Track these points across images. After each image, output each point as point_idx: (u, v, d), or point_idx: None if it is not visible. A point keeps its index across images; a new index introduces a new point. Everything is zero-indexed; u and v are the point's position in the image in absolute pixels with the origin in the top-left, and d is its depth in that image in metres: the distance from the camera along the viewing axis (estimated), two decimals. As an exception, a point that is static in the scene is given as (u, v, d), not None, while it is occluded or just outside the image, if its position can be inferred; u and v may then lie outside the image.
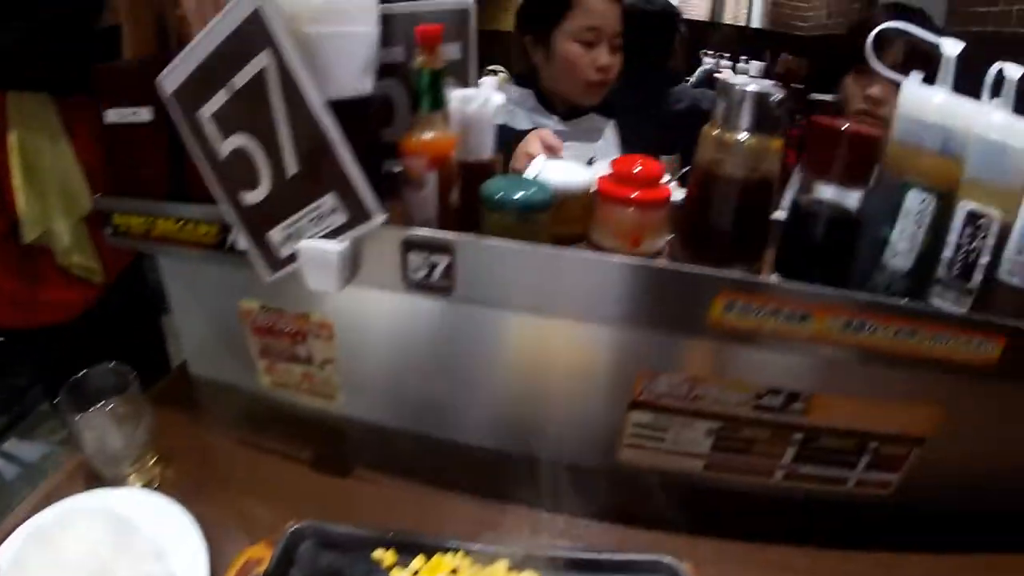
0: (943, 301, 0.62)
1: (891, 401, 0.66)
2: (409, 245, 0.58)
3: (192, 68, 0.60)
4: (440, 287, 0.59)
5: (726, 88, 0.59)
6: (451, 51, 0.69)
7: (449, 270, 0.58)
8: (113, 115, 0.67)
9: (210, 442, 0.72)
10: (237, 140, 0.60)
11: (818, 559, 0.67)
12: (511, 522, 0.66)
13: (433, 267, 0.58)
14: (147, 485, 0.66)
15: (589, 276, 0.57)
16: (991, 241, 0.60)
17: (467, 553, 0.59)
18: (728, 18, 6.81)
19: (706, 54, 3.46)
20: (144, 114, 0.67)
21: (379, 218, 0.56)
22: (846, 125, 0.59)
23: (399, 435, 0.74)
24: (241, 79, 0.58)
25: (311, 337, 0.71)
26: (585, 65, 1.22)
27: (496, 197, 0.59)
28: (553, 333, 0.66)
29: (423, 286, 0.59)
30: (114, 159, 0.70)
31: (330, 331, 0.70)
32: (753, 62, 3.40)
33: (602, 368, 0.67)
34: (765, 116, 0.58)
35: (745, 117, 0.59)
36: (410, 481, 0.69)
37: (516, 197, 0.59)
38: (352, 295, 0.67)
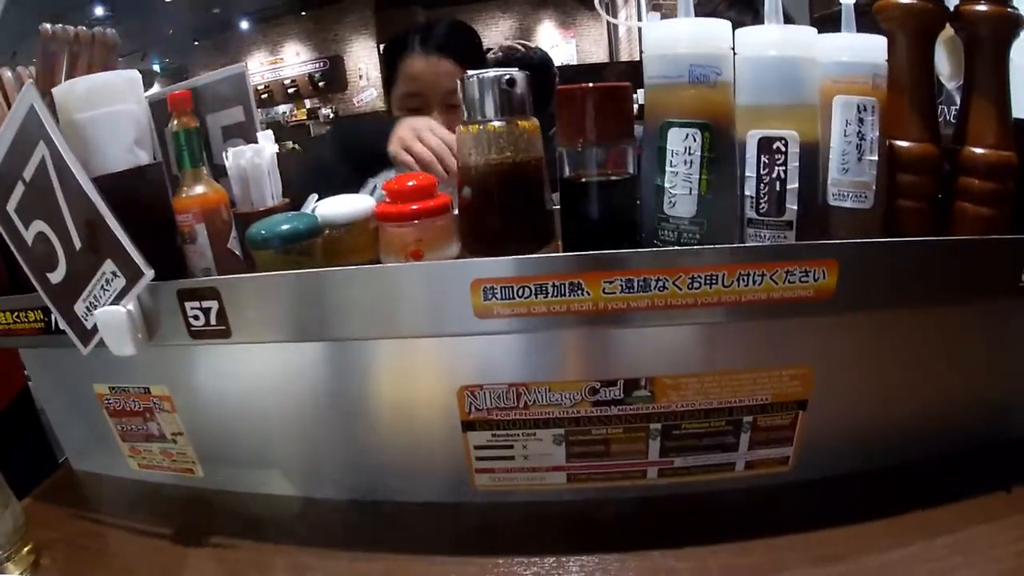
0: (761, 242, 0.60)
1: (748, 368, 0.63)
2: (182, 295, 0.63)
3: (-5, 169, 0.70)
4: (217, 331, 0.62)
5: (463, 82, 0.62)
6: (235, 114, 0.76)
7: (221, 313, 0.62)
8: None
9: (85, 529, 0.76)
10: (36, 227, 0.68)
11: (707, 557, 0.63)
12: (363, 569, 0.66)
13: (207, 313, 0.62)
14: (24, 572, 0.70)
15: (346, 292, 0.59)
16: (794, 164, 0.58)
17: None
18: (625, 57, 7.39)
19: None
20: (-26, 218, 0.77)
21: (149, 273, 0.61)
22: (591, 84, 0.60)
23: (253, 499, 0.77)
24: (29, 171, 0.66)
25: (157, 411, 0.76)
26: None
27: (258, 234, 0.63)
28: (365, 367, 0.69)
29: (204, 333, 0.63)
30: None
31: (171, 403, 0.75)
32: (640, 91, 3.50)
33: (423, 392, 0.69)
34: (505, 98, 0.60)
35: (488, 104, 0.61)
36: (262, 541, 0.70)
37: (276, 231, 0.63)
38: (177, 364, 0.73)
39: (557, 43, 9.37)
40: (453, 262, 0.58)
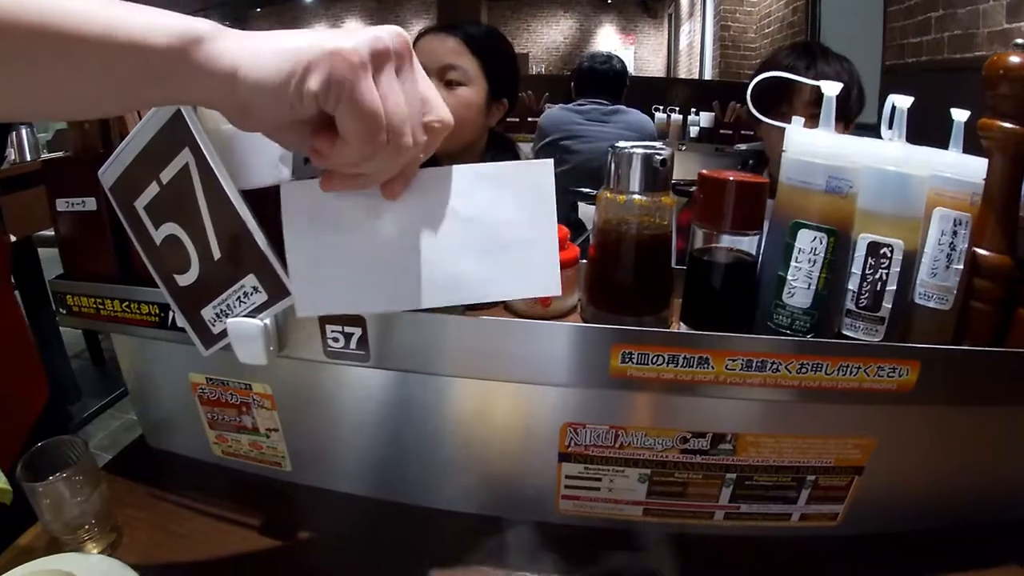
0: (855, 332, 0.71)
1: (820, 436, 0.75)
2: (325, 318, 0.71)
3: (126, 164, 0.74)
4: (356, 356, 0.70)
5: (616, 153, 0.70)
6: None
7: (363, 340, 0.70)
8: (61, 204, 0.82)
9: (165, 510, 0.83)
10: (168, 228, 0.73)
11: None
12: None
13: (348, 337, 0.70)
14: (103, 551, 0.77)
15: (491, 339, 0.67)
16: (896, 270, 0.69)
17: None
18: (683, 74, 7.64)
19: (657, 109, 3.79)
20: (90, 204, 0.81)
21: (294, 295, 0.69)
22: (732, 175, 0.70)
23: (345, 499, 0.85)
24: (167, 174, 0.72)
25: (255, 407, 0.83)
26: None
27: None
28: (481, 392, 0.76)
29: (342, 355, 0.71)
30: (65, 245, 0.83)
31: (271, 401, 0.82)
32: (703, 113, 3.69)
33: (529, 423, 0.77)
34: (653, 175, 0.69)
35: (635, 177, 0.70)
36: (354, 542, 0.80)
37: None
38: (287, 366, 0.80)
39: (616, 48, 9.41)
40: (599, 327, 0.67)
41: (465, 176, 0.61)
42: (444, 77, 1.30)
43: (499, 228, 0.60)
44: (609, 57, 3.05)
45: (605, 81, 2.94)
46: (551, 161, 0.58)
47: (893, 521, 0.80)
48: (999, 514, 0.81)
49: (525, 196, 0.60)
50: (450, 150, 1.34)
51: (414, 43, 1.34)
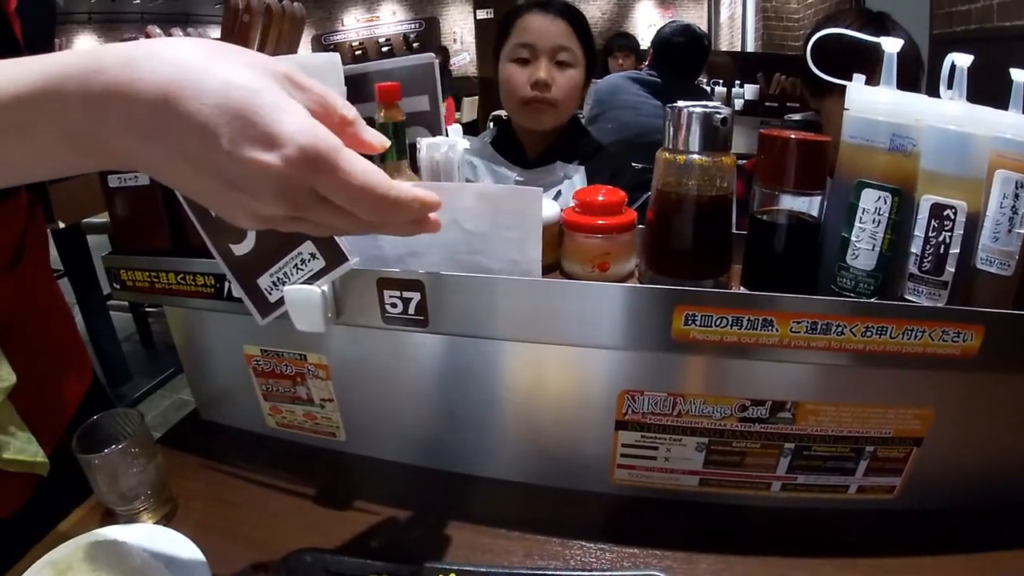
0: (917, 296, 0.68)
1: (879, 404, 0.72)
2: (384, 284, 0.69)
3: (180, 135, 0.73)
4: (415, 321, 0.68)
5: (674, 112, 0.68)
6: (420, 103, 0.80)
7: (421, 305, 0.68)
8: (113, 180, 0.81)
9: (219, 481, 0.82)
10: (224, 198, 0.72)
11: (818, 568, 0.72)
12: (505, 545, 0.73)
13: (407, 303, 0.68)
14: (158, 522, 0.76)
15: (550, 301, 0.65)
16: (959, 232, 0.66)
17: (459, 574, 0.68)
18: (724, 46, 7.53)
19: (699, 82, 3.77)
20: (142, 178, 0.80)
21: (353, 261, 0.67)
22: (794, 134, 0.67)
23: (399, 468, 0.83)
24: (223, 142, 0.70)
25: (310, 378, 0.81)
26: (519, 83, 1.30)
27: (461, 233, 0.69)
28: (536, 359, 0.74)
29: (400, 321, 0.69)
30: (118, 221, 0.82)
31: (327, 371, 0.80)
32: (748, 85, 3.62)
33: (586, 390, 0.74)
34: (713, 135, 0.67)
35: (694, 137, 0.67)
36: (409, 511, 0.78)
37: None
38: (342, 335, 0.79)
39: (654, 22, 9.22)
40: (661, 288, 0.64)
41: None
42: (556, 57, 1.30)
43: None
44: (700, 36, 2.85)
45: (685, 54, 2.73)
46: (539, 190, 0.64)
47: (950, 495, 0.77)
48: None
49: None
50: (549, 128, 1.36)
51: (507, 26, 1.36)
